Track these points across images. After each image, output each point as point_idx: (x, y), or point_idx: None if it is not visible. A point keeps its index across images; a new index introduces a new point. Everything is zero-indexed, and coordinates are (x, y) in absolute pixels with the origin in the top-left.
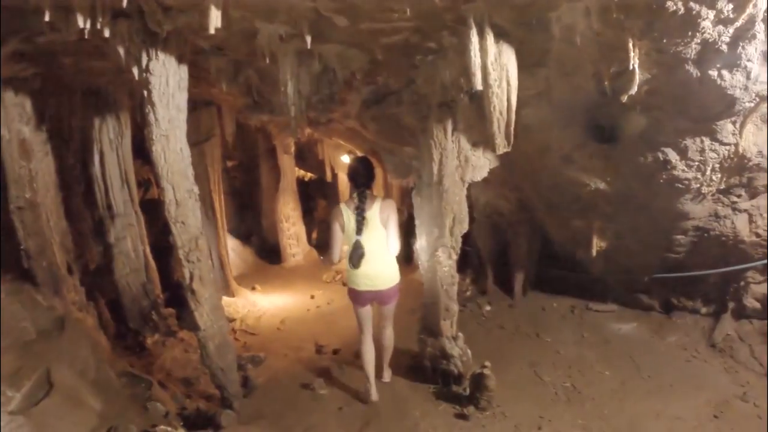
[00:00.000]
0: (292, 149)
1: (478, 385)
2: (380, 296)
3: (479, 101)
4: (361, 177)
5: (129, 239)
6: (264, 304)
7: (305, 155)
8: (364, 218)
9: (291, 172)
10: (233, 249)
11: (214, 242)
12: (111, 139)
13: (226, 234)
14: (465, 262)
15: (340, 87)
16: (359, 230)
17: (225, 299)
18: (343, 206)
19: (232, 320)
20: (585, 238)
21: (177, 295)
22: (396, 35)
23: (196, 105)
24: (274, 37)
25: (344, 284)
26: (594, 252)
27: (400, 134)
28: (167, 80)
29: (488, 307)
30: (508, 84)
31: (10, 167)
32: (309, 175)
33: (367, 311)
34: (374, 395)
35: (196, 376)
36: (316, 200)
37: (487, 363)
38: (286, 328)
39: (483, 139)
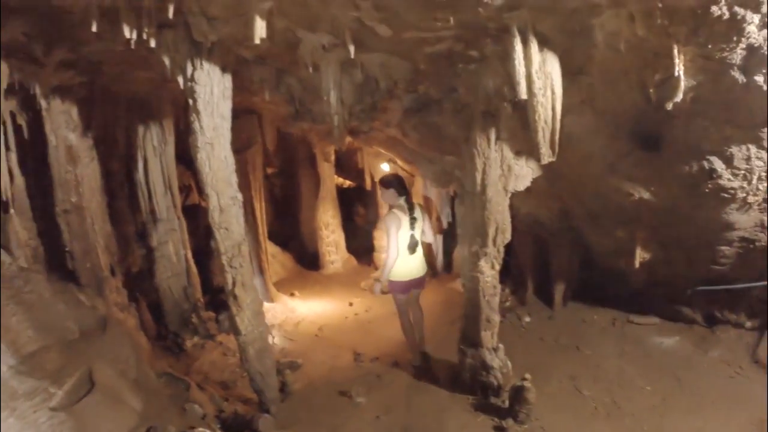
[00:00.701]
0: (332, 157)
1: (518, 398)
2: (419, 282)
3: (522, 110)
4: (404, 188)
5: (171, 244)
6: (302, 311)
7: (344, 163)
8: (414, 218)
9: (331, 179)
10: (273, 255)
11: (255, 248)
12: (155, 146)
13: (267, 240)
14: (504, 273)
15: (382, 96)
16: (412, 227)
17: (264, 305)
18: (396, 212)
19: (271, 325)
20: (628, 249)
21: (216, 298)
22: (439, 44)
23: (237, 113)
24: (316, 46)
25: (382, 292)
26: (637, 263)
27: (442, 143)
28: (212, 89)
29: (528, 318)
30: (553, 93)
31: (57, 172)
32: (347, 182)
33: (407, 298)
34: (418, 360)
35: (234, 379)
36: (357, 208)
37: (528, 375)
38: (324, 335)
39: (526, 148)
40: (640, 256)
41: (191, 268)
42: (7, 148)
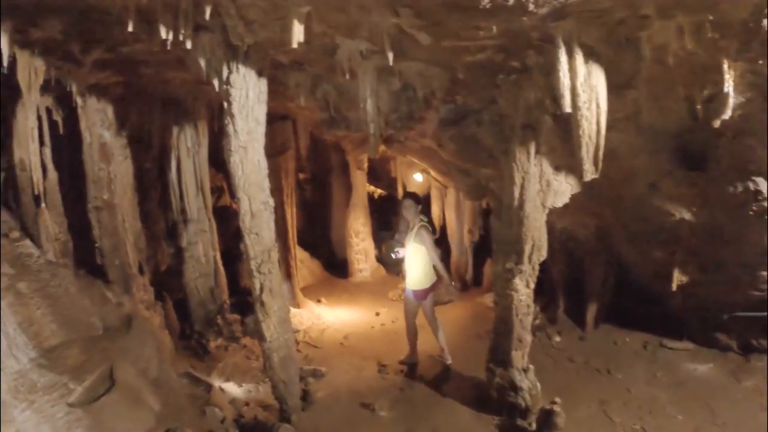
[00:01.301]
0: (365, 165)
1: (547, 422)
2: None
3: (563, 124)
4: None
5: (200, 244)
6: (328, 318)
7: (377, 172)
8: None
9: (363, 187)
10: (301, 260)
11: (284, 253)
12: (188, 147)
13: (296, 245)
14: (535, 289)
15: (419, 105)
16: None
17: (291, 310)
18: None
19: (296, 331)
20: (665, 271)
21: (243, 301)
22: (479, 53)
23: (272, 119)
24: (354, 53)
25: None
26: (674, 286)
27: (478, 155)
28: (247, 93)
29: (558, 338)
30: (598, 107)
31: (90, 169)
32: (378, 191)
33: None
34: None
35: (256, 384)
36: (390, 216)
37: (557, 399)
38: (350, 344)
39: (566, 163)
40: (678, 278)
41: (219, 270)
42: (42, 144)
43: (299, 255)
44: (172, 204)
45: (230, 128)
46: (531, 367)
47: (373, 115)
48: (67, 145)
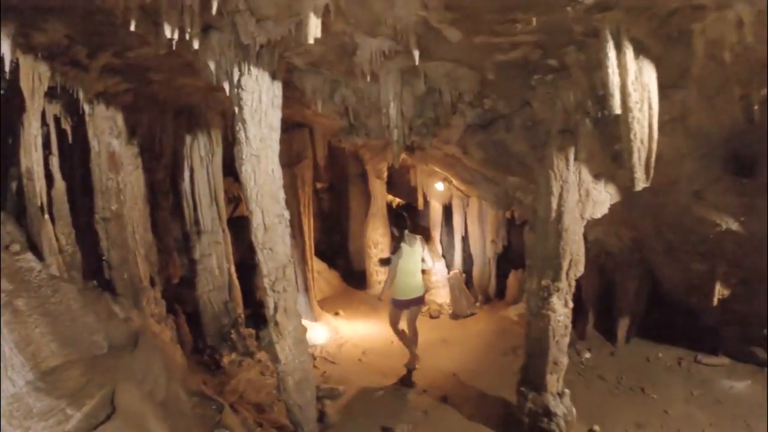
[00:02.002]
0: (385, 174)
1: None
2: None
3: (603, 128)
4: None
5: (214, 256)
6: (346, 332)
7: (396, 181)
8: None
9: (382, 197)
10: (319, 272)
11: (301, 265)
12: (202, 157)
13: (313, 257)
14: None
15: (446, 110)
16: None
17: (307, 323)
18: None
19: (313, 346)
20: (706, 284)
21: (258, 314)
22: (513, 51)
23: (288, 127)
24: (376, 53)
25: (431, 316)
26: (715, 300)
27: (507, 163)
28: (260, 97)
29: (588, 355)
30: (650, 107)
31: (98, 178)
32: (397, 200)
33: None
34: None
35: (270, 402)
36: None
37: (597, 427)
38: (368, 360)
39: (605, 171)
40: (720, 292)
41: (233, 282)
42: (50, 152)
43: (317, 266)
44: (185, 215)
45: (242, 135)
46: (567, 391)
47: (396, 120)
48: (78, 155)
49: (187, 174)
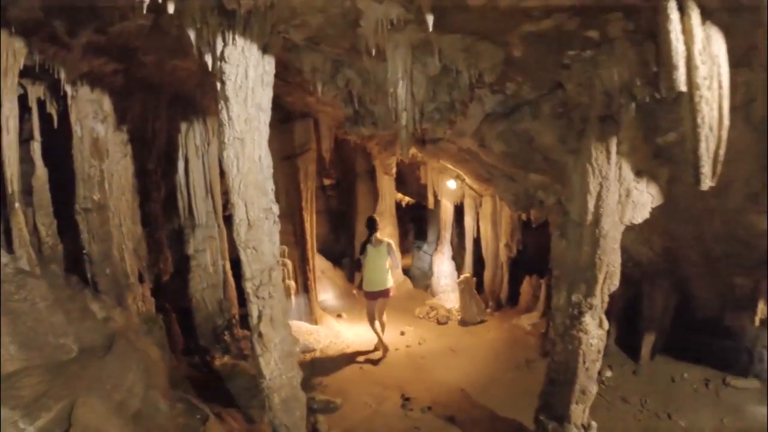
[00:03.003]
0: (393, 170)
1: None
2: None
3: (650, 114)
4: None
5: (209, 252)
6: (348, 336)
7: (406, 178)
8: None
9: (390, 194)
10: (323, 271)
11: (301, 264)
12: (197, 146)
13: (316, 255)
14: None
15: (463, 93)
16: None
17: (307, 327)
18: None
19: (312, 350)
20: (747, 302)
21: None
22: (545, 20)
23: (290, 116)
24: (382, 22)
25: (439, 322)
26: (757, 320)
27: (531, 157)
28: (246, 71)
29: (609, 373)
30: (720, 86)
31: (80, 166)
32: (407, 199)
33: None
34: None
35: (261, 413)
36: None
37: None
38: (370, 368)
39: (648, 168)
40: (762, 311)
41: (229, 280)
42: (32, 138)
43: (321, 265)
44: (178, 207)
45: (224, 115)
46: (594, 424)
47: (405, 102)
48: (62, 141)
49: (181, 164)
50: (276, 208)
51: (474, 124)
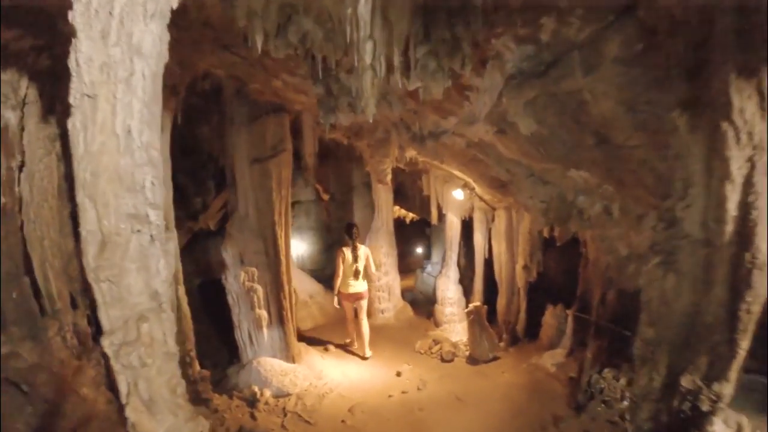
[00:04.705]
0: (389, 178)
1: None
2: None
3: None
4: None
5: None
6: (333, 376)
7: (406, 191)
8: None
9: (387, 207)
10: (311, 295)
11: (274, 290)
12: None
13: (305, 277)
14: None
15: (475, 24)
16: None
17: (281, 366)
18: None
19: (287, 395)
20: None
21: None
22: None
23: (261, 110)
24: None
25: (443, 359)
26: None
27: (577, 140)
28: None
29: None
30: None
31: None
32: (410, 215)
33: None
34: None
35: None
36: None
37: None
38: (354, 422)
39: None
40: None
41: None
42: None
43: (310, 288)
44: None
45: (72, 58)
46: None
47: (370, 28)
48: None
49: None
50: (158, 217)
51: (489, 102)
